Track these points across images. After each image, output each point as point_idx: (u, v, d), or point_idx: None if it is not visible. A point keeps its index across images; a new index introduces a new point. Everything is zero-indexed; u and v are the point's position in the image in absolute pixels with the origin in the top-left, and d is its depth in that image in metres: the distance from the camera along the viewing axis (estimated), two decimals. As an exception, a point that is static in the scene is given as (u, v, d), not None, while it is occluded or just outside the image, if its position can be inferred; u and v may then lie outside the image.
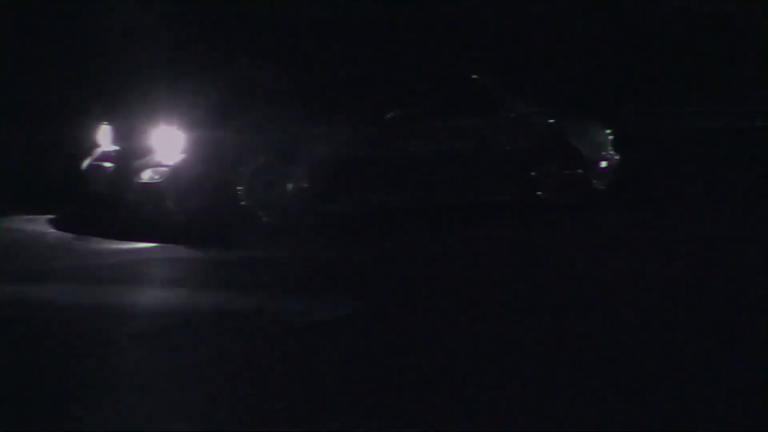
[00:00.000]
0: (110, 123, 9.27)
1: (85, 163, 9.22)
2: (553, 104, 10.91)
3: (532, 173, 9.86)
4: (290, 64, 11.60)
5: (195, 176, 8.37)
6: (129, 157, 8.73)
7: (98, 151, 9.21)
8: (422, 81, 9.88)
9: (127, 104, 9.63)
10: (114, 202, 8.66)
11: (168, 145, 8.48)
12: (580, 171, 10.09)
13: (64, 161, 9.62)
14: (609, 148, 10.52)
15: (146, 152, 8.62)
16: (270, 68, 10.34)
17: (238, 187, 8.40)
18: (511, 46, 13.46)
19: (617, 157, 10.57)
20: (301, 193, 8.66)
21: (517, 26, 13.56)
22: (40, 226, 8.86)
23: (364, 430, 3.88)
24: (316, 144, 8.81)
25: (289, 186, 8.62)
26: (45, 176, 10.09)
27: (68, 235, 8.47)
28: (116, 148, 9.05)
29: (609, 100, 13.10)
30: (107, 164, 8.93)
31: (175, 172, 8.37)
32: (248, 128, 8.73)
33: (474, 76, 10.22)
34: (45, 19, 11.62)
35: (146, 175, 8.46)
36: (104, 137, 9.24)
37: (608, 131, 10.57)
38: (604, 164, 10.38)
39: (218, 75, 9.81)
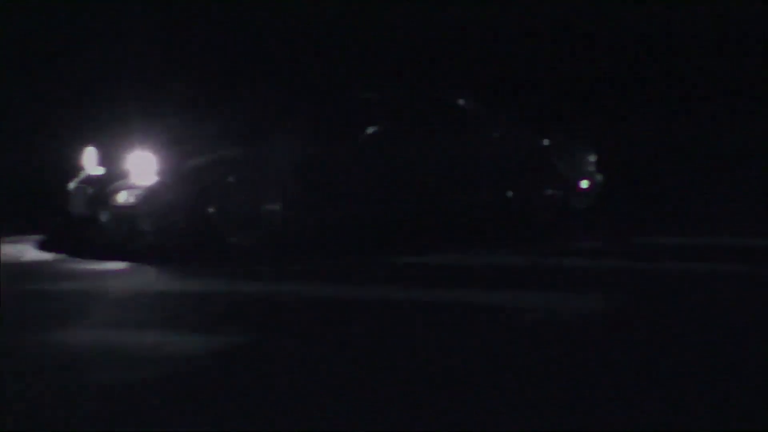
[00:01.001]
0: (95, 146, 9.54)
1: (71, 184, 9.48)
2: (537, 124, 11.00)
3: (508, 193, 9.98)
4: (265, 81, 11.82)
5: (168, 198, 8.60)
6: (109, 179, 8.99)
7: (83, 173, 9.48)
8: (404, 101, 10.01)
9: (111, 127, 9.89)
10: (92, 224, 8.90)
11: (142, 167, 8.72)
12: (558, 191, 10.20)
13: (55, 181, 9.88)
14: (591, 168, 10.61)
15: (125, 175, 8.88)
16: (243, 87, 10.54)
17: (209, 209, 8.61)
18: (507, 61, 13.57)
19: (600, 178, 10.66)
20: (273, 212, 8.84)
21: (512, 41, 13.67)
22: (24, 246, 9.18)
23: (364, 430, 3.98)
24: (289, 162, 9.00)
25: (261, 206, 8.80)
26: (37, 196, 10.36)
27: (48, 256, 8.77)
28: (100, 170, 9.31)
29: (604, 115, 13.14)
30: (89, 186, 9.19)
31: (149, 193, 8.60)
32: (219, 149, 8.97)
33: (458, 100, 10.31)
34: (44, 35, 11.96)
35: (122, 197, 8.70)
36: (89, 160, 9.51)
37: (591, 151, 10.66)
38: (585, 185, 10.47)
39: (193, 96, 10.02)
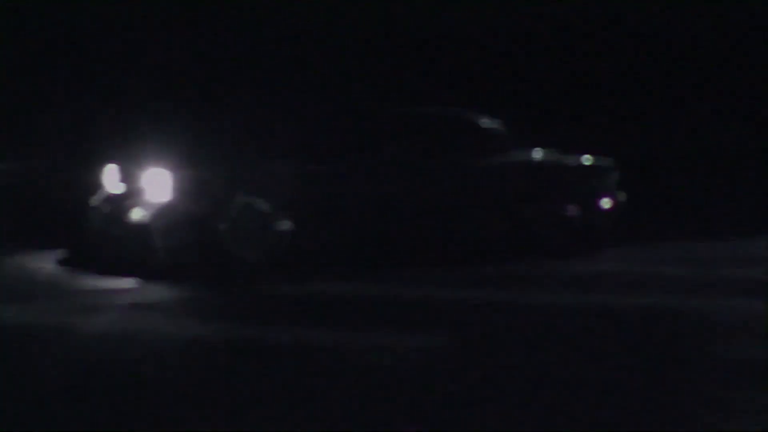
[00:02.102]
0: (116, 163, 9.70)
1: (93, 200, 9.65)
2: (556, 142, 10.90)
3: (524, 212, 9.90)
4: (277, 101, 11.88)
5: (180, 215, 8.70)
6: (126, 196, 9.14)
7: (105, 189, 9.64)
8: (416, 120, 10.00)
9: (131, 145, 10.05)
10: (107, 240, 9.05)
11: (157, 184, 8.83)
12: (576, 210, 10.08)
13: (77, 198, 10.06)
14: (613, 186, 10.47)
15: (141, 192, 9.01)
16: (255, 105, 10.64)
17: (220, 225, 8.68)
18: (531, 77, 13.51)
19: (622, 196, 10.51)
20: (283, 229, 8.88)
21: (532, 56, 13.63)
22: (43, 261, 9.39)
23: (366, 430, 3.99)
24: (300, 182, 9.05)
25: (272, 224, 8.85)
26: (58, 212, 10.56)
27: (63, 270, 8.96)
28: (120, 187, 9.46)
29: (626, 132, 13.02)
30: (107, 203, 9.34)
31: (161, 210, 8.71)
32: (231, 167, 9.07)
33: (480, 120, 10.24)
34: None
35: (136, 214, 8.83)
36: (111, 177, 9.67)
37: (614, 169, 10.52)
38: (606, 203, 10.33)
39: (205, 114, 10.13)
